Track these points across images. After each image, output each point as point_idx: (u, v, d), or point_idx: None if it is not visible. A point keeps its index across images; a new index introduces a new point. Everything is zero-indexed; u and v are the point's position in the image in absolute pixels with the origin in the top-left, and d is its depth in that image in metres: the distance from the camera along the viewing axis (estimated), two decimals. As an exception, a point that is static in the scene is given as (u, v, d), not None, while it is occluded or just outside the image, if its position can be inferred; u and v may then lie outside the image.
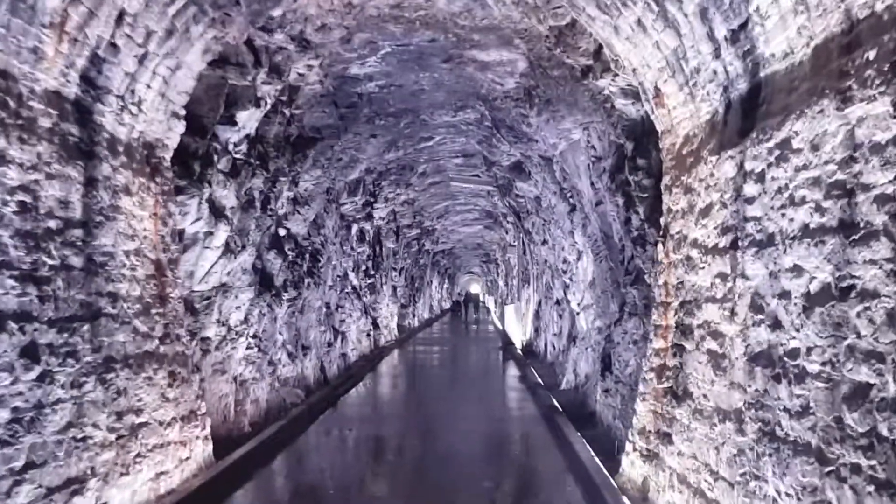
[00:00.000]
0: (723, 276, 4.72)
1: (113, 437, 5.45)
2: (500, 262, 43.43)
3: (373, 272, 21.38)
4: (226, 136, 8.16)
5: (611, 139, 8.84)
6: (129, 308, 5.86)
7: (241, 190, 8.63)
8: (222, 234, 8.19)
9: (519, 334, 22.23)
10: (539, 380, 13.36)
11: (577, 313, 12.46)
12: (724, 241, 4.75)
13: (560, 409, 10.28)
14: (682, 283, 5.56)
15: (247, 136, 8.58)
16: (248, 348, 9.41)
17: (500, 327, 33.10)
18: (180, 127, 6.80)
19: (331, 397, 12.32)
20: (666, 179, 6.05)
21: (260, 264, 9.79)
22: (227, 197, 8.27)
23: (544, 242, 15.68)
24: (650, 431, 5.96)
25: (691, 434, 5.06)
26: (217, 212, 8.10)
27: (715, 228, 4.90)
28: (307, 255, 12.79)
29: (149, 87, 6.07)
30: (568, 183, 11.50)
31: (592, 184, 10.08)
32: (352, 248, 17.64)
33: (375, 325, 21.49)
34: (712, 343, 4.82)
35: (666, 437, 5.59)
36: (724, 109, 4.88)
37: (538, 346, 19.02)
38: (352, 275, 18.37)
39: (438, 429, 10.00)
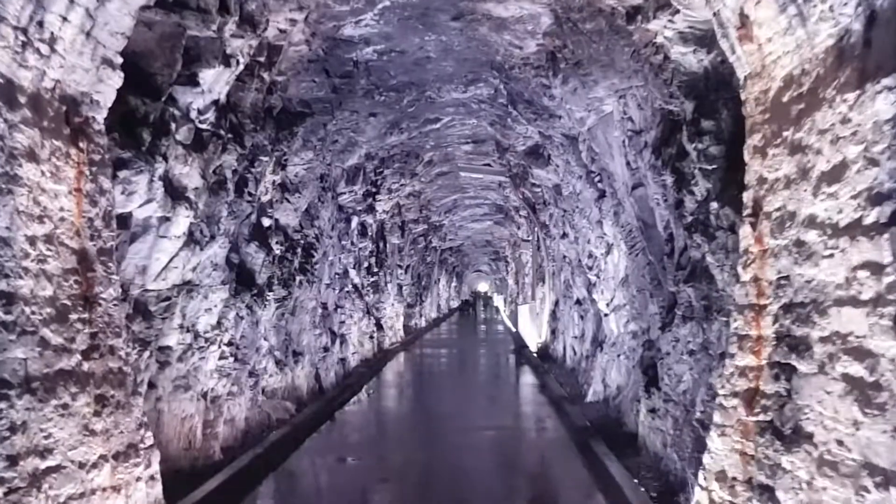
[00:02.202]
0: (872, 268, 3.18)
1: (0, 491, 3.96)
2: (510, 259, 41.89)
3: (376, 269, 19.89)
4: (186, 99, 6.66)
5: (655, 106, 7.30)
6: (33, 313, 4.36)
7: (207, 168, 7.13)
8: (183, 220, 6.70)
9: (534, 336, 20.69)
10: (562, 390, 11.75)
11: (605, 315, 10.91)
12: (872, 216, 3.21)
13: (591, 427, 8.72)
14: (786, 277, 4.01)
15: (214, 102, 7.08)
16: (221, 358, 7.93)
17: (512, 328, 31.58)
18: (116, 79, 5.28)
19: (325, 411, 10.82)
20: (755, 139, 4.50)
21: (237, 259, 8.29)
22: (189, 175, 6.77)
23: (564, 236, 14.13)
24: (736, 479, 4.42)
25: (815, 495, 3.52)
26: (175, 193, 6.61)
27: (854, 198, 3.36)
28: (299, 250, 11.30)
29: (65, 19, 4.55)
30: (596, 165, 9.95)
31: (628, 163, 8.54)
32: (352, 244, 16.15)
33: (379, 327, 20.01)
34: (855, 366, 3.28)
35: (765, 492, 4.05)
36: (863, 25, 3.34)
37: (555, 349, 17.47)
38: (352, 272, 16.88)
39: (450, 454, 8.45)
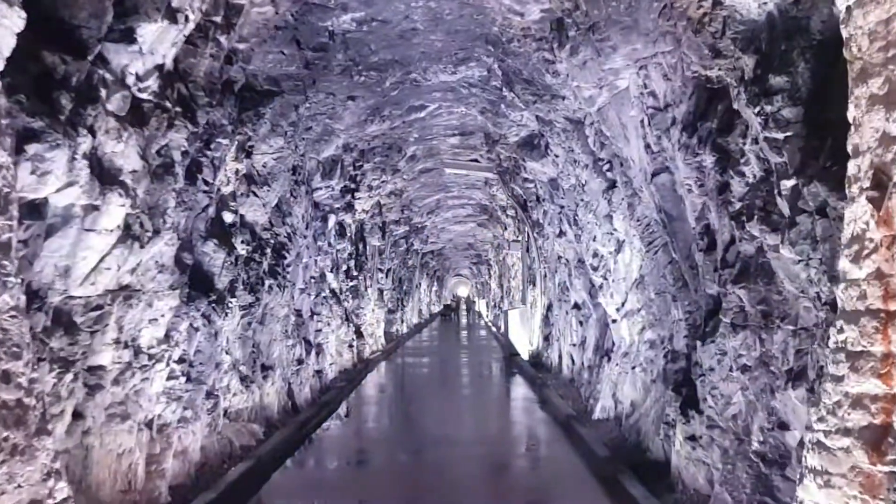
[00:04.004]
0: None
1: None
2: (494, 262, 40.76)
3: (356, 273, 18.59)
4: (120, 60, 5.37)
5: (688, 74, 6.15)
6: None
7: (149, 147, 5.84)
8: (116, 210, 5.39)
9: (525, 342, 19.50)
10: (567, 406, 10.45)
11: (614, 321, 9.75)
12: None
13: (612, 455, 7.50)
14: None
15: (158, 67, 5.80)
16: (170, 378, 6.61)
17: (498, 333, 30.42)
18: (16, 19, 3.99)
19: (298, 435, 9.49)
20: (871, 86, 3.33)
21: (190, 259, 6.99)
22: (125, 155, 5.48)
23: (560, 234, 12.96)
24: (855, 551, 3.24)
25: None
26: (106, 176, 5.31)
27: None
28: (268, 251, 10.00)
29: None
30: (606, 151, 8.79)
31: (648, 146, 7.39)
32: (329, 245, 14.84)
33: (359, 334, 18.69)
34: None
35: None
36: None
37: (549, 357, 16.30)
38: (330, 276, 15.58)
39: (448, 495, 7.13)
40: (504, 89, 10.27)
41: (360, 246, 19.43)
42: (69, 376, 5.17)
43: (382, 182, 16.42)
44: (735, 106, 5.33)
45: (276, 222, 10.41)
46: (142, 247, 5.86)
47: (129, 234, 5.67)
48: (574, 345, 13.16)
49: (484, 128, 13.50)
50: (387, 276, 25.10)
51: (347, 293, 17.83)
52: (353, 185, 14.52)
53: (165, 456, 6.41)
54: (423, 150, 15.66)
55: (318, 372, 13.26)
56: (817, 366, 4.24)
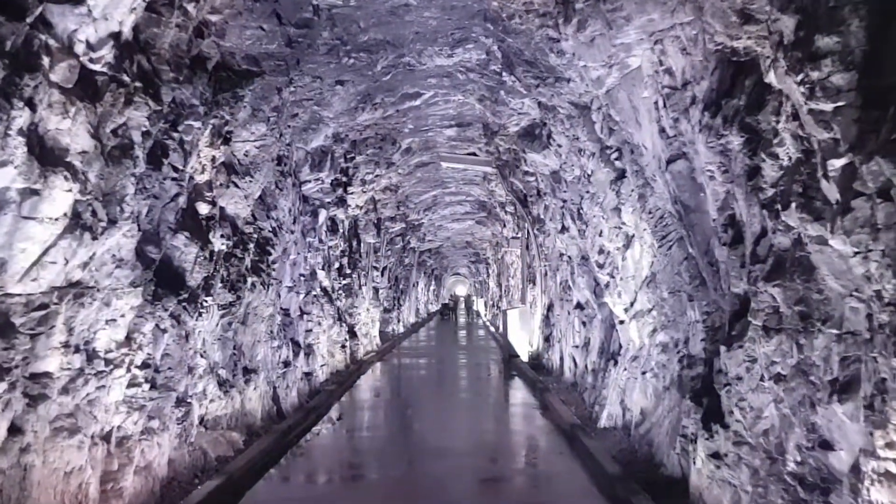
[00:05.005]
0: None
1: None
2: (492, 261, 40.08)
3: (349, 271, 17.92)
4: (67, 25, 4.69)
5: (710, 47, 5.49)
6: None
7: (103, 125, 5.17)
8: (61, 195, 4.72)
9: (524, 343, 18.83)
10: (571, 415, 9.70)
11: (621, 322, 9.09)
12: None
13: (623, 471, 6.81)
14: None
15: (114, 36, 5.13)
16: (132, 385, 5.94)
17: (497, 334, 29.78)
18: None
19: (282, 443, 8.81)
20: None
21: (156, 253, 6.32)
22: (72, 133, 4.81)
23: (563, 230, 12.29)
24: None
25: None
26: (49, 156, 4.64)
27: None
28: (251, 246, 9.33)
29: None
30: (615, 138, 8.13)
31: (662, 130, 6.72)
32: (320, 241, 14.16)
33: (353, 334, 18.01)
34: None
35: None
36: None
37: (550, 358, 15.63)
38: (321, 273, 14.90)
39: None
40: (504, 73, 9.60)
41: (354, 243, 18.75)
42: (3, 385, 4.50)
43: (376, 176, 15.74)
44: (767, 79, 4.67)
45: (260, 216, 9.74)
46: (95, 238, 5.18)
47: (78, 224, 5.00)
48: (577, 347, 12.50)
49: (482, 117, 12.84)
50: (382, 275, 24.43)
51: (340, 291, 17.15)
52: (344, 179, 13.85)
53: (125, 472, 5.74)
54: (418, 142, 14.99)
55: (308, 374, 12.60)
56: (875, 378, 3.57)
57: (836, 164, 3.75)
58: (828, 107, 3.76)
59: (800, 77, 3.93)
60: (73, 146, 4.87)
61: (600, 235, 9.33)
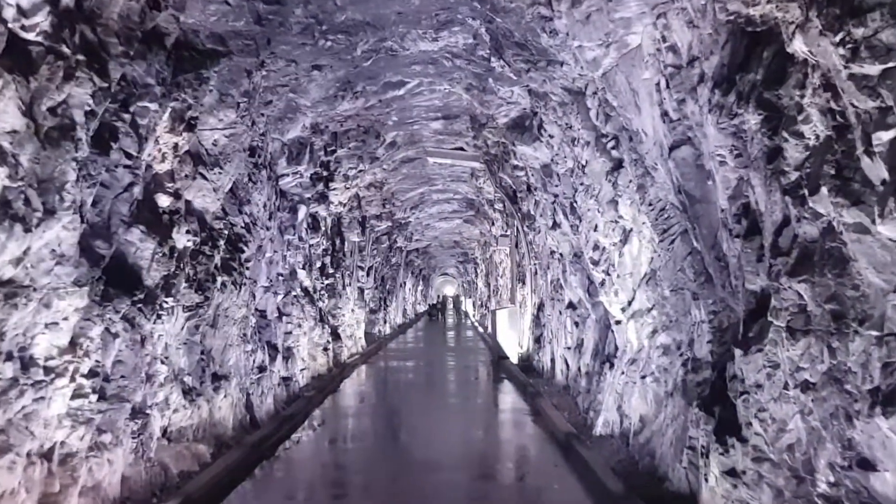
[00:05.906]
0: None
1: None
2: (480, 260, 39.54)
3: (332, 271, 17.28)
4: (-12, -17, 4.07)
5: (721, 17, 4.93)
6: None
7: (37, 102, 4.53)
8: (-17, 180, 4.10)
9: (513, 344, 18.26)
10: (565, 422, 9.06)
11: (618, 322, 8.54)
12: None
13: (625, 489, 6.22)
14: None
15: (52, 2, 4.50)
16: (77, 396, 5.31)
17: (485, 334, 29.22)
18: None
19: (253, 456, 8.16)
20: None
21: (106, 248, 5.68)
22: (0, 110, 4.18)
23: (554, 226, 11.74)
24: None
25: None
26: (-34, 134, 4.02)
27: None
28: (221, 242, 8.69)
29: None
30: (612, 125, 7.57)
31: (665, 114, 6.17)
32: (300, 239, 13.53)
33: (336, 336, 17.37)
34: None
35: None
36: None
37: (541, 360, 15.07)
38: (302, 273, 14.26)
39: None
40: (493, 58, 9.02)
41: (338, 241, 18.12)
42: (-89, 401, 3.87)
43: (360, 171, 15.13)
44: (790, 48, 4.11)
45: (232, 210, 9.11)
46: (28, 230, 4.55)
47: (7, 214, 4.36)
48: (569, 348, 11.94)
49: (470, 108, 12.26)
50: (368, 275, 23.79)
51: (322, 292, 16.51)
52: (325, 173, 13.22)
53: (68, 494, 5.10)
54: (403, 135, 14.40)
55: (286, 379, 11.96)
56: (934, 389, 3.02)
57: (884, 136, 3.20)
58: (874, 70, 3.20)
59: (839, 37, 3.37)
60: (1, 125, 4.24)
61: (595, 230, 8.77)
